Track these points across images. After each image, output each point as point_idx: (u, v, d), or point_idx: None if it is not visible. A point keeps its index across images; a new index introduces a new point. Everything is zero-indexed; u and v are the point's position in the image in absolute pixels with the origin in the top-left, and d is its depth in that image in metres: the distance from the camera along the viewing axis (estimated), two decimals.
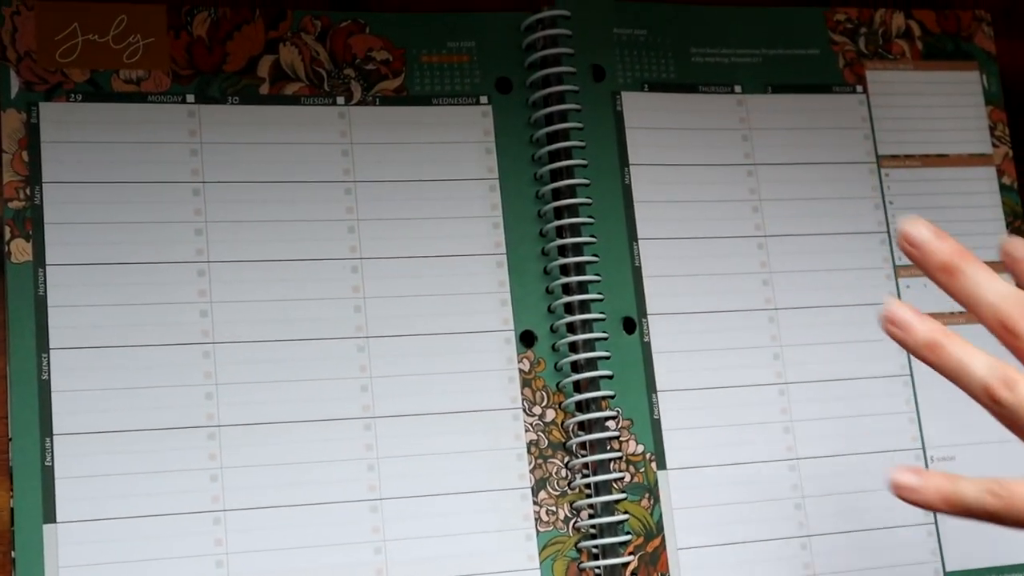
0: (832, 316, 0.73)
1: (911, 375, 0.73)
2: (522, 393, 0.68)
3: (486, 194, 0.70)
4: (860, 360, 0.72)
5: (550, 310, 0.69)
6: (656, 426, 0.68)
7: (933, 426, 0.73)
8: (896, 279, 0.74)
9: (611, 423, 0.68)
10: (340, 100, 0.69)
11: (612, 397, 0.68)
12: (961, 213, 0.76)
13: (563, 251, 0.70)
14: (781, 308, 0.72)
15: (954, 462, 0.72)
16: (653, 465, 0.68)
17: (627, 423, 0.68)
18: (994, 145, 0.77)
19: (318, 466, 0.65)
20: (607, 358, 0.68)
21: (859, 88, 0.76)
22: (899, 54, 0.77)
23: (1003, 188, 0.77)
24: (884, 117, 0.76)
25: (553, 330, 0.69)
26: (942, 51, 0.78)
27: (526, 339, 0.69)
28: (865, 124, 0.76)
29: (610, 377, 0.68)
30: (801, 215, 0.73)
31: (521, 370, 0.68)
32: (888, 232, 0.74)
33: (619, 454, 0.67)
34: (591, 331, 0.68)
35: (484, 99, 0.71)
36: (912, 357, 0.70)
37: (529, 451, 0.67)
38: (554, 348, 0.69)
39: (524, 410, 0.68)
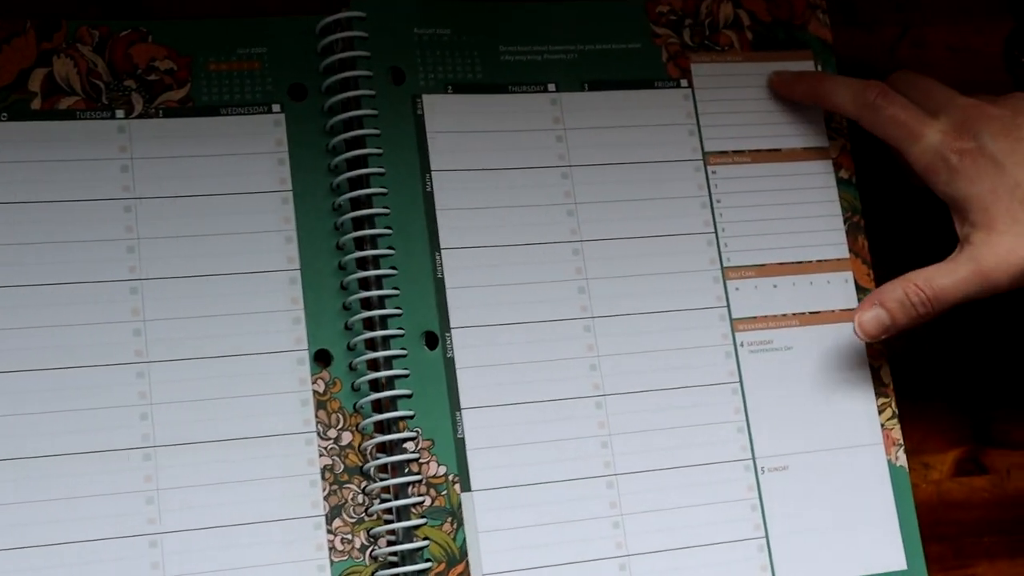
0: (655, 323, 0.69)
1: (740, 382, 0.69)
2: (316, 416, 0.64)
3: (278, 207, 0.66)
4: (685, 368, 0.69)
5: (347, 327, 0.66)
6: (460, 446, 0.65)
7: (764, 435, 0.69)
8: (724, 281, 0.71)
9: (410, 444, 0.64)
10: (120, 113, 0.66)
11: (411, 417, 0.64)
12: (797, 210, 0.73)
13: (363, 264, 0.66)
14: (599, 316, 0.68)
15: (787, 472, 0.69)
16: (456, 487, 0.65)
17: (427, 444, 0.65)
18: (831, 137, 0.74)
19: (92, 500, 0.61)
20: (405, 376, 0.65)
21: (684, 82, 0.73)
22: (727, 45, 0.74)
23: (840, 182, 0.73)
24: (711, 112, 0.73)
25: (351, 348, 0.65)
26: (773, 40, 0.74)
27: (321, 358, 0.65)
28: (690, 120, 0.72)
29: (409, 396, 0.65)
30: (621, 218, 0.70)
31: (315, 391, 0.65)
32: (715, 232, 0.71)
33: (418, 477, 0.64)
34: (391, 348, 0.65)
35: (276, 107, 0.67)
36: (742, 363, 0.66)
37: (323, 477, 0.64)
38: (351, 367, 0.65)
39: (318, 434, 0.64)
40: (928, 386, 0.73)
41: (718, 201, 0.71)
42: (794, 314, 0.71)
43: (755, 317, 0.70)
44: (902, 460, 0.70)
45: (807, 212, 0.73)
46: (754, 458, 0.69)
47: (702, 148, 0.72)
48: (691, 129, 0.72)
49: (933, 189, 0.67)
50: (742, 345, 0.70)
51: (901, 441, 0.71)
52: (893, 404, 0.71)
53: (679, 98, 0.72)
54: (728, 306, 0.70)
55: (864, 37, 0.76)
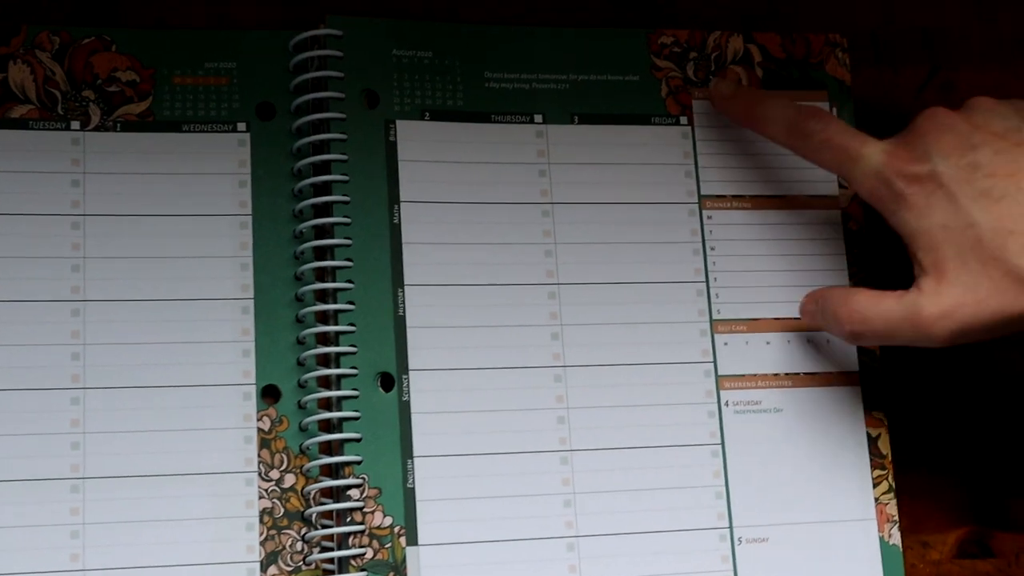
0: (633, 376, 0.65)
1: (722, 444, 0.64)
2: (259, 455, 0.61)
3: (236, 232, 0.63)
4: (662, 426, 0.64)
5: (300, 363, 0.62)
6: (409, 496, 0.61)
7: (744, 503, 0.64)
8: (712, 334, 0.66)
9: (354, 492, 0.60)
10: (75, 125, 0.62)
11: (358, 463, 0.61)
12: (798, 262, 0.68)
13: (321, 297, 0.62)
14: (571, 365, 0.64)
15: (766, 544, 0.64)
16: (402, 540, 0.60)
17: (374, 492, 0.61)
18: (842, 186, 0.69)
19: (13, 531, 0.58)
20: (356, 418, 0.61)
21: (683, 120, 0.68)
22: (734, 82, 0.69)
23: (848, 234, 0.68)
24: (711, 152, 0.68)
25: (301, 385, 0.62)
26: (786, 79, 0.69)
27: (269, 394, 0.62)
28: (688, 160, 0.67)
29: (358, 440, 0.61)
30: (604, 261, 0.65)
31: (260, 429, 0.61)
32: (706, 282, 0.66)
33: (361, 527, 0.60)
34: (343, 387, 0.61)
35: (242, 126, 0.64)
36: (725, 424, 0.62)
37: (262, 520, 0.60)
38: (300, 405, 0.61)
39: (260, 474, 0.61)
40: (930, 459, 0.67)
41: (712, 248, 0.67)
42: (787, 374, 0.66)
43: (743, 375, 0.65)
44: (896, 538, 0.65)
45: (809, 265, 0.67)
46: (731, 527, 0.64)
47: (698, 191, 0.67)
48: (688, 170, 0.67)
49: (884, 218, 0.59)
50: (727, 404, 0.65)
51: (896, 517, 0.65)
52: (890, 477, 0.66)
53: (677, 136, 0.68)
54: (715, 361, 0.65)
55: (889, 76, 0.71)
